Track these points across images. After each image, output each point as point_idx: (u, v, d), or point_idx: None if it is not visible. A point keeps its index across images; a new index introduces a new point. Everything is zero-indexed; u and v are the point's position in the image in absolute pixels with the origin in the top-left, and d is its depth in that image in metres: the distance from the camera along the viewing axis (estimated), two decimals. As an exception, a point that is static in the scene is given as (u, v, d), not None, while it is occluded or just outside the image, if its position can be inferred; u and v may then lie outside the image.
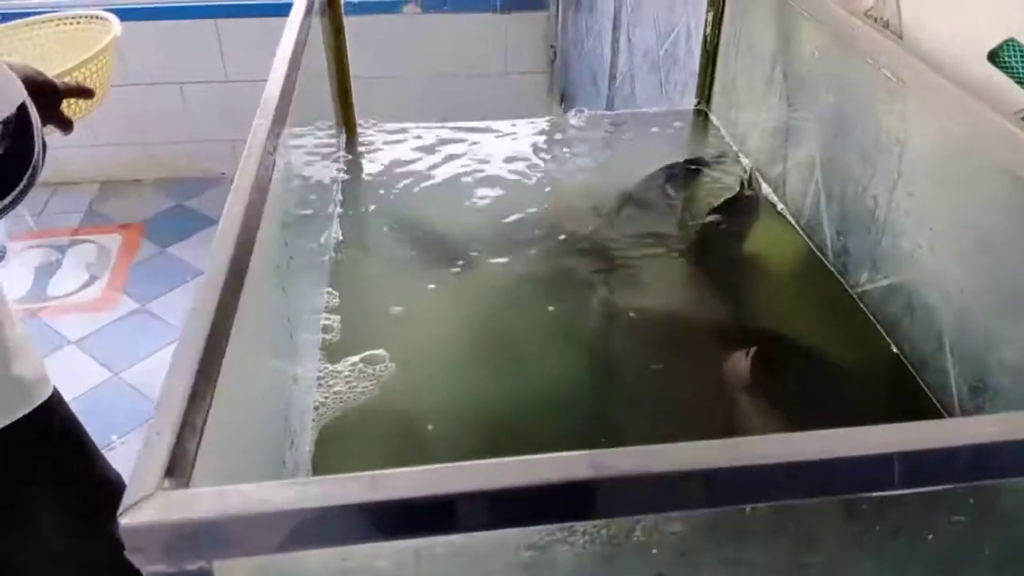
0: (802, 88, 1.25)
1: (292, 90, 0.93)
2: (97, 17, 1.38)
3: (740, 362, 0.99)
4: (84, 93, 1.09)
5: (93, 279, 2.69)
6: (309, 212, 1.16)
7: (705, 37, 1.56)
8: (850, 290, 1.12)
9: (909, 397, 0.95)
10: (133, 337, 2.43)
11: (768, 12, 1.32)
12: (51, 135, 1.07)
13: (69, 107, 1.09)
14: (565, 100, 3.37)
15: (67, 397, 2.25)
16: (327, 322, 1.00)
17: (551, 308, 1.07)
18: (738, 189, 1.39)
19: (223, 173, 3.20)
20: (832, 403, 0.95)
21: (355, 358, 0.94)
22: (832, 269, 1.17)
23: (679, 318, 1.12)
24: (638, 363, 1.01)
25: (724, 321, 1.13)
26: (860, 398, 0.97)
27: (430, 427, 0.85)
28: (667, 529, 0.46)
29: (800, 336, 1.08)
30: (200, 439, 0.45)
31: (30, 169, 0.85)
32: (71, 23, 1.35)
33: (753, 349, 1.00)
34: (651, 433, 0.91)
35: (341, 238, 1.20)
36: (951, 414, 0.90)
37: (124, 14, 2.85)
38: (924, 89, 0.91)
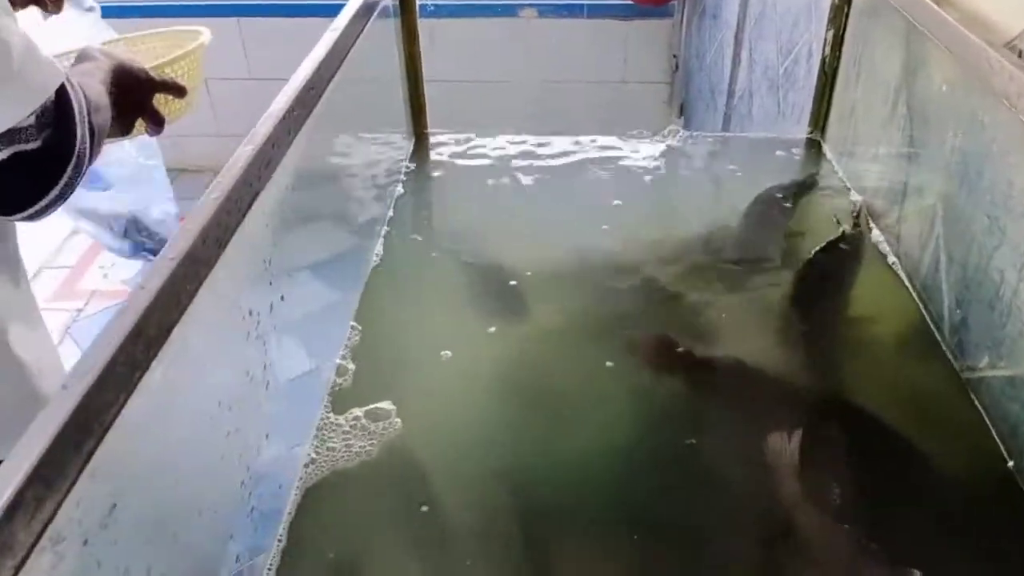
0: (927, 125, 1.05)
1: (320, 92, 0.86)
2: (192, 29, 1.37)
3: (783, 445, 0.83)
4: (177, 89, 1.05)
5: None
6: (347, 224, 1.08)
7: (824, 58, 1.38)
8: (962, 374, 0.92)
9: (1020, 521, 0.76)
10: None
11: (894, 35, 1.13)
12: (139, 135, 1.05)
13: (162, 106, 1.05)
14: (684, 113, 3.19)
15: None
16: (342, 363, 0.91)
17: (609, 364, 0.93)
18: (843, 229, 1.20)
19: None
20: (921, 520, 0.77)
21: (359, 411, 0.84)
22: (944, 345, 0.97)
23: (756, 379, 0.96)
24: (697, 434, 0.86)
25: (805, 388, 0.95)
26: (957, 516, 0.78)
27: (424, 508, 0.74)
28: None
29: (889, 421, 0.89)
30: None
31: (74, 159, 0.80)
32: (169, 38, 1.33)
33: (799, 432, 0.83)
34: (690, 526, 0.76)
35: (380, 262, 1.10)
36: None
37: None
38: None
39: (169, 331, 0.52)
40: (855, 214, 1.24)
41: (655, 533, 0.75)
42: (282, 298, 0.74)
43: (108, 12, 2.49)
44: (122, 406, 0.47)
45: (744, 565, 0.73)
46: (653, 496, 0.79)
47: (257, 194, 0.68)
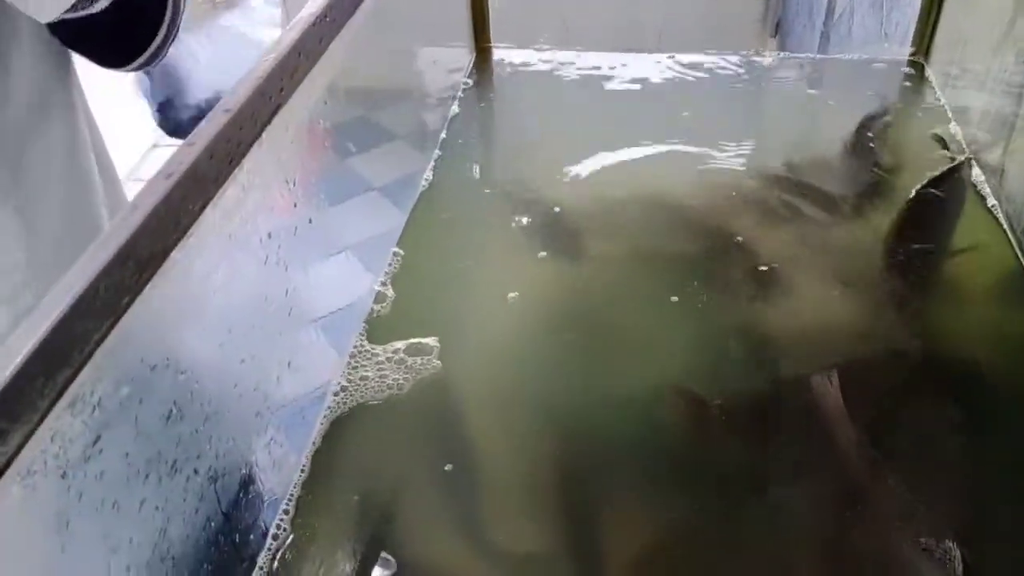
0: (1049, 47, 0.92)
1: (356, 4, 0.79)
2: None
3: (826, 388, 0.76)
4: None
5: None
6: (396, 145, 1.03)
7: (933, -32, 1.23)
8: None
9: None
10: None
11: (1017, -59, 0.98)
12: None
13: None
14: (779, 32, 2.97)
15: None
16: (381, 289, 0.87)
17: (674, 298, 0.87)
18: (947, 167, 1.08)
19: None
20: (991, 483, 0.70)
21: (400, 344, 0.81)
22: (1045, 299, 0.87)
23: (836, 324, 0.88)
24: (768, 379, 0.80)
25: (887, 336, 0.87)
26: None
27: (448, 467, 0.70)
28: None
29: (971, 371, 0.81)
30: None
31: (164, 27, 0.76)
32: None
33: (835, 372, 0.76)
34: (747, 475, 0.71)
35: (430, 185, 1.05)
36: None
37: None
38: None
39: (166, 254, 0.48)
40: (963, 155, 1.11)
41: (709, 483, 0.70)
42: (310, 221, 0.70)
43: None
44: (106, 333, 0.44)
45: (799, 517, 0.67)
46: (714, 443, 0.74)
47: (279, 107, 0.63)
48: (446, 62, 1.26)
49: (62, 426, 0.41)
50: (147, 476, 0.49)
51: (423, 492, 0.69)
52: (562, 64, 1.33)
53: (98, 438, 0.44)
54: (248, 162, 0.59)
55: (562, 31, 1.41)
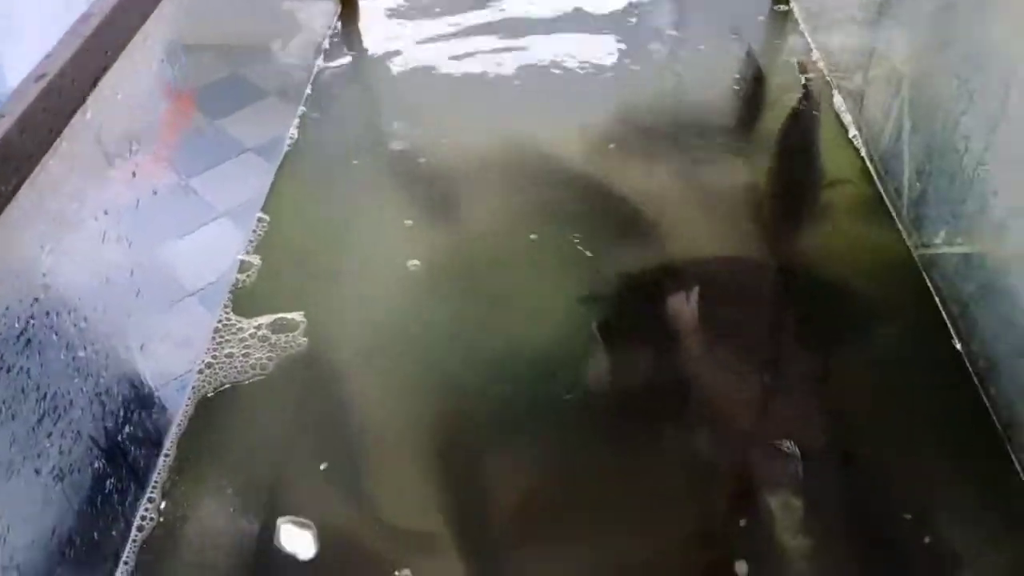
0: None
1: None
2: None
3: (682, 306, 0.78)
4: None
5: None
6: (265, 104, 0.98)
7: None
8: (915, 251, 0.86)
9: (963, 409, 0.71)
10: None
11: None
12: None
13: None
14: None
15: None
16: (246, 258, 0.83)
17: (533, 236, 0.86)
18: (803, 93, 1.11)
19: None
20: (856, 393, 0.73)
21: (264, 319, 0.77)
22: (899, 221, 0.90)
23: (707, 252, 0.89)
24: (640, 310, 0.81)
25: (754, 259, 0.89)
26: (903, 391, 0.74)
27: (323, 450, 0.68)
28: None
29: (829, 288, 0.85)
30: None
31: None
32: None
33: (696, 290, 0.80)
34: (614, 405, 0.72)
35: (295, 145, 1.00)
36: (1014, 443, 0.67)
37: None
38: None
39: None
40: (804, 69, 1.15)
41: (583, 418, 0.70)
42: (155, 192, 0.66)
43: None
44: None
45: (665, 437, 0.70)
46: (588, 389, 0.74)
47: (104, 70, 0.58)
48: (310, 14, 1.19)
49: None
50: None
51: (299, 477, 0.66)
52: (431, 11, 1.29)
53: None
54: (70, 133, 0.54)
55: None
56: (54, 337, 0.53)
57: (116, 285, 0.61)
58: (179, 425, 0.68)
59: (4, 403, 0.47)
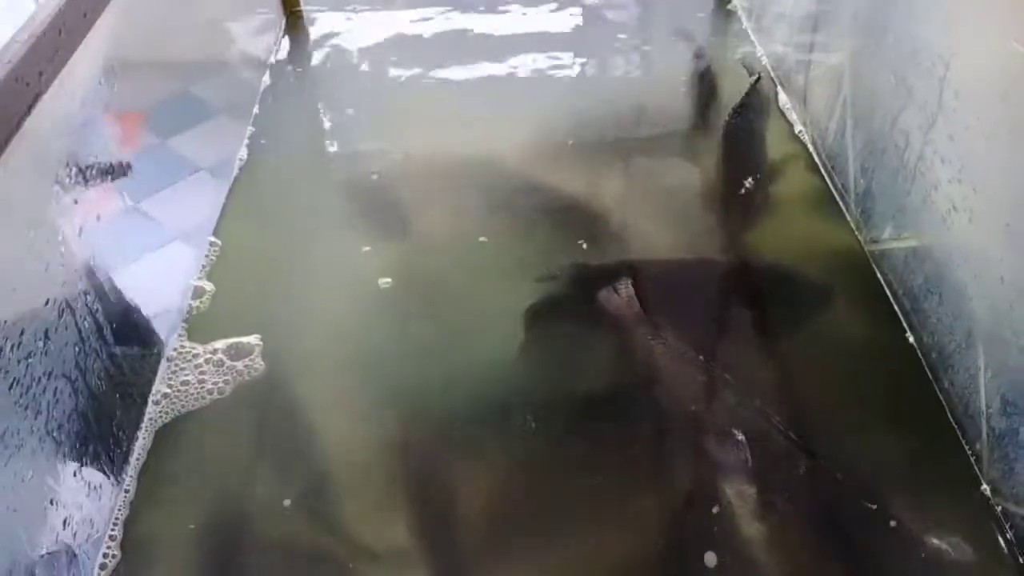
0: (834, -25, 0.96)
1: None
2: None
3: (614, 298, 0.80)
4: None
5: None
6: (213, 123, 0.96)
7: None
8: (866, 246, 0.88)
9: (917, 395, 0.73)
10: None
11: None
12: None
13: None
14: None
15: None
16: (199, 284, 0.82)
17: (482, 239, 0.86)
18: (748, 89, 1.13)
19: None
20: (810, 382, 0.74)
21: (220, 343, 0.75)
22: (849, 216, 0.92)
23: (658, 249, 0.90)
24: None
25: (703, 251, 0.90)
26: (858, 384, 0.75)
27: (284, 478, 0.66)
28: None
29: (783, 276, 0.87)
30: None
31: None
32: None
33: (628, 281, 0.82)
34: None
35: (244, 166, 0.99)
36: (968, 434, 0.68)
37: None
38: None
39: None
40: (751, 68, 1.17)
41: (541, 420, 0.70)
42: (98, 218, 0.64)
43: None
44: None
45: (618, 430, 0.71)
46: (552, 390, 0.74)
47: (38, 95, 0.57)
48: (255, 29, 1.18)
49: None
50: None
51: (264, 508, 0.65)
52: (374, 25, 1.28)
53: None
54: (7, 157, 0.52)
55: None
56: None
57: (61, 316, 0.59)
58: (139, 459, 0.66)
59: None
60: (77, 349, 0.59)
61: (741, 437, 0.69)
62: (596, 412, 0.72)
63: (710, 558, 0.61)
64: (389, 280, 0.83)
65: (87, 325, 0.61)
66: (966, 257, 0.69)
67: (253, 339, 0.75)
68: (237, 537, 0.62)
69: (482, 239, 0.87)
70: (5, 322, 0.51)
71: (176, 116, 0.91)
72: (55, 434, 0.56)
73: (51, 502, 0.55)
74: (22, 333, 0.53)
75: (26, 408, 0.53)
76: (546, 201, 0.94)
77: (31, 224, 0.55)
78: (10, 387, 0.51)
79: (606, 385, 0.74)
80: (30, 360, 0.54)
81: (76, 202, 0.61)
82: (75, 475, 0.58)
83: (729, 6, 1.33)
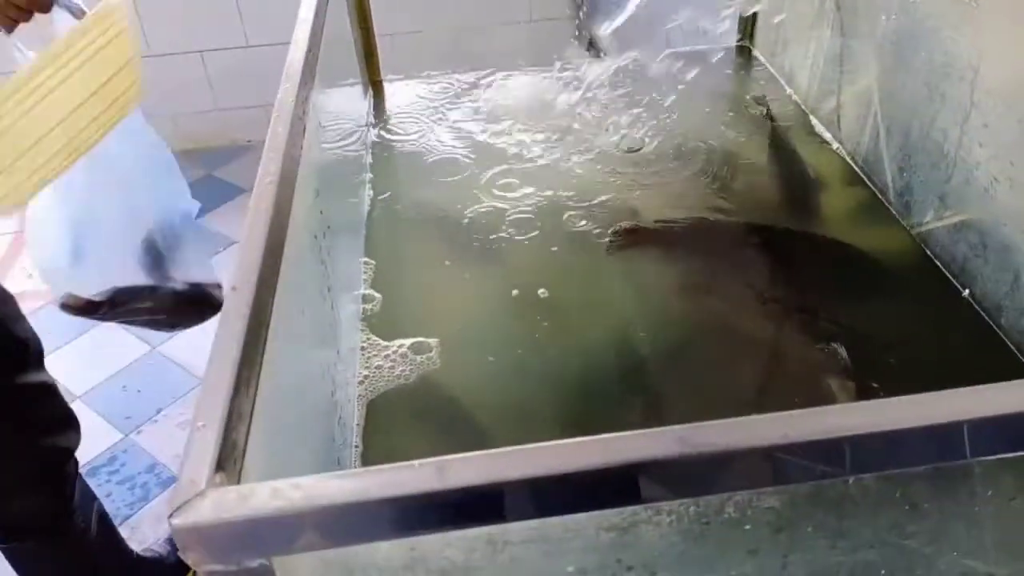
0: (856, 14, 1.17)
1: (317, 52, 0.89)
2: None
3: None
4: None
5: (128, 254, 2.69)
6: (341, 178, 1.12)
7: (744, -34, 1.48)
8: (911, 230, 1.06)
9: (980, 342, 0.90)
10: (171, 310, 2.43)
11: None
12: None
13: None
14: (593, 48, 3.26)
15: (108, 372, 2.26)
16: (368, 291, 0.97)
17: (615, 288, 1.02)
18: (779, 128, 1.32)
19: (249, 141, 3.17)
20: (896, 345, 0.90)
21: (404, 341, 0.90)
22: (891, 208, 1.10)
23: (726, 284, 1.05)
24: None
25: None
26: (926, 341, 0.92)
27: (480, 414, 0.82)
28: (761, 504, 0.42)
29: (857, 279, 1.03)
30: (248, 429, 0.42)
31: None
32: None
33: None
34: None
35: (371, 206, 1.16)
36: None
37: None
38: (1002, 8, 0.84)
39: (283, 244, 0.57)
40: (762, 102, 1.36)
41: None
42: (328, 227, 0.80)
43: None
44: (272, 304, 0.52)
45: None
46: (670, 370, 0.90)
47: (304, 130, 0.73)
48: (353, 97, 1.36)
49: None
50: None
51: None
52: (445, 85, 1.47)
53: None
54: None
55: (427, 62, 1.55)
56: (310, 338, 0.66)
57: (325, 299, 0.74)
58: (358, 425, 0.80)
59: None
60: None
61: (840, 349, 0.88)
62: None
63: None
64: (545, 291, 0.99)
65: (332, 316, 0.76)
66: (1010, 217, 0.86)
67: (432, 341, 0.91)
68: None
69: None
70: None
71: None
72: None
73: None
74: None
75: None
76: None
77: (311, 228, 0.71)
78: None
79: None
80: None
81: (321, 213, 0.77)
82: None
83: (747, 43, 1.53)
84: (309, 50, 0.84)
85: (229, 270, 0.53)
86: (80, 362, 2.25)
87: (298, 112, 0.73)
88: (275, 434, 0.50)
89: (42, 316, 2.47)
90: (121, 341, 2.30)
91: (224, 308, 0.48)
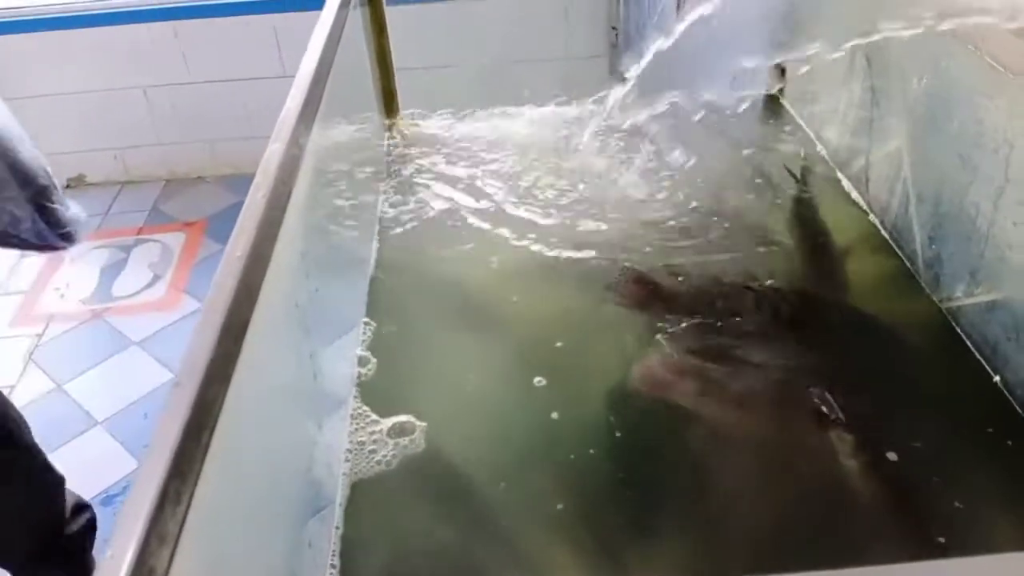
0: (887, 73, 1.11)
1: (321, 93, 0.86)
2: None
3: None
4: None
5: (156, 279, 2.70)
6: (351, 223, 1.09)
7: (776, 17, 1.43)
8: (940, 304, 1.00)
9: (1011, 434, 0.83)
10: (195, 337, 2.43)
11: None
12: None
13: None
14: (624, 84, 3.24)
15: (131, 398, 2.26)
16: (363, 354, 0.93)
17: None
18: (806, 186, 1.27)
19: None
20: (922, 432, 0.84)
21: (389, 420, 0.87)
22: (920, 279, 1.04)
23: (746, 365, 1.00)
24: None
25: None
26: (953, 421, 0.85)
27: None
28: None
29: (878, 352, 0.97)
30: (173, 554, 0.39)
31: None
32: None
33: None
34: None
35: (378, 258, 1.13)
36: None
37: (181, 12, 2.88)
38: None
39: (246, 325, 0.54)
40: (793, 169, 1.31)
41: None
42: (316, 290, 0.77)
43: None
44: (223, 398, 0.49)
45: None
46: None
47: (290, 192, 0.70)
48: (370, 136, 1.34)
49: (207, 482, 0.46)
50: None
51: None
52: (469, 127, 1.45)
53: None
54: (279, 242, 0.65)
55: (457, 98, 1.53)
56: (281, 410, 0.62)
57: (304, 368, 0.71)
58: (341, 505, 0.76)
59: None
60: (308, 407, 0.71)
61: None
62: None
63: None
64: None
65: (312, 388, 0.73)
66: (1045, 303, 0.80)
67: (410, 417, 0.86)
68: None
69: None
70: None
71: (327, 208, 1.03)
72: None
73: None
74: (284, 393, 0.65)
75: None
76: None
77: (293, 297, 0.68)
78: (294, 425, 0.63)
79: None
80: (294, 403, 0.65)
81: (308, 276, 0.74)
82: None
83: (782, 106, 1.49)
84: (306, 102, 0.81)
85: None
86: (104, 386, 2.25)
87: (282, 175, 0.71)
88: (219, 546, 0.47)
89: (70, 338, 2.51)
90: (145, 367, 2.31)
91: (165, 405, 0.45)
